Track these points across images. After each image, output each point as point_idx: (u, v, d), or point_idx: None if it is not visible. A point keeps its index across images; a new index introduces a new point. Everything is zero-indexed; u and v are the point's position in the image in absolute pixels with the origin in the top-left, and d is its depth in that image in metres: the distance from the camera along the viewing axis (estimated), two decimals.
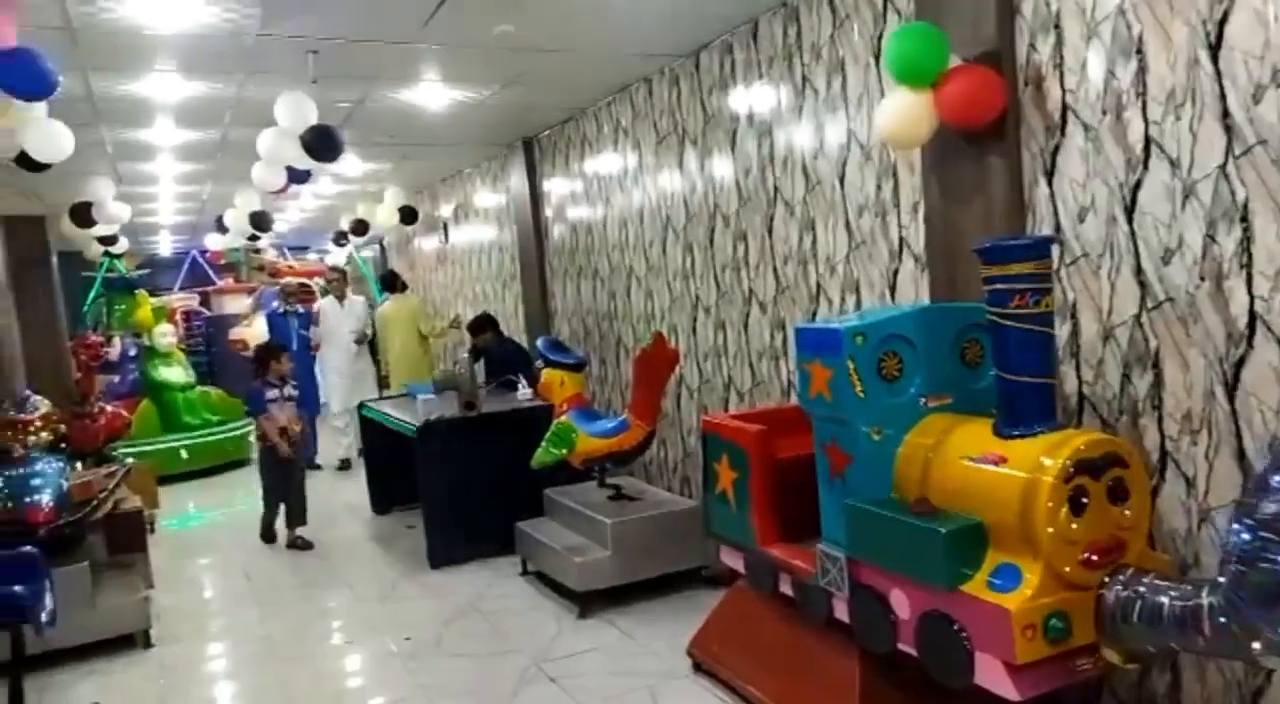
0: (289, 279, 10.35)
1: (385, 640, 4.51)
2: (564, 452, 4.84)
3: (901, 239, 3.67)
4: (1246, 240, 2.52)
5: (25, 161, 4.38)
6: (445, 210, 10.03)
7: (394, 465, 6.66)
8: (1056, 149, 3.03)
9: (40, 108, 4.02)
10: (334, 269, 9.54)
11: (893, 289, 3.75)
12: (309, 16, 4.00)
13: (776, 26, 4.26)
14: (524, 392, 6.22)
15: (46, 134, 4.13)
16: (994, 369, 2.75)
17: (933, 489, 2.75)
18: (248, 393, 6.45)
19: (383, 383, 9.25)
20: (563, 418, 4.93)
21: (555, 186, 7.10)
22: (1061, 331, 3.02)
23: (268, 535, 6.44)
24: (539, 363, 5.24)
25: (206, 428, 9.17)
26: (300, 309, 9.16)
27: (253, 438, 7.91)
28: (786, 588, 3.37)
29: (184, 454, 8.79)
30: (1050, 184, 3.06)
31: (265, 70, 4.74)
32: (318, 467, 8.66)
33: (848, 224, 3.96)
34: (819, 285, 4.19)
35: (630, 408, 4.76)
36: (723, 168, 4.83)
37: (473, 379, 6.02)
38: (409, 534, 6.28)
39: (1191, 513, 2.74)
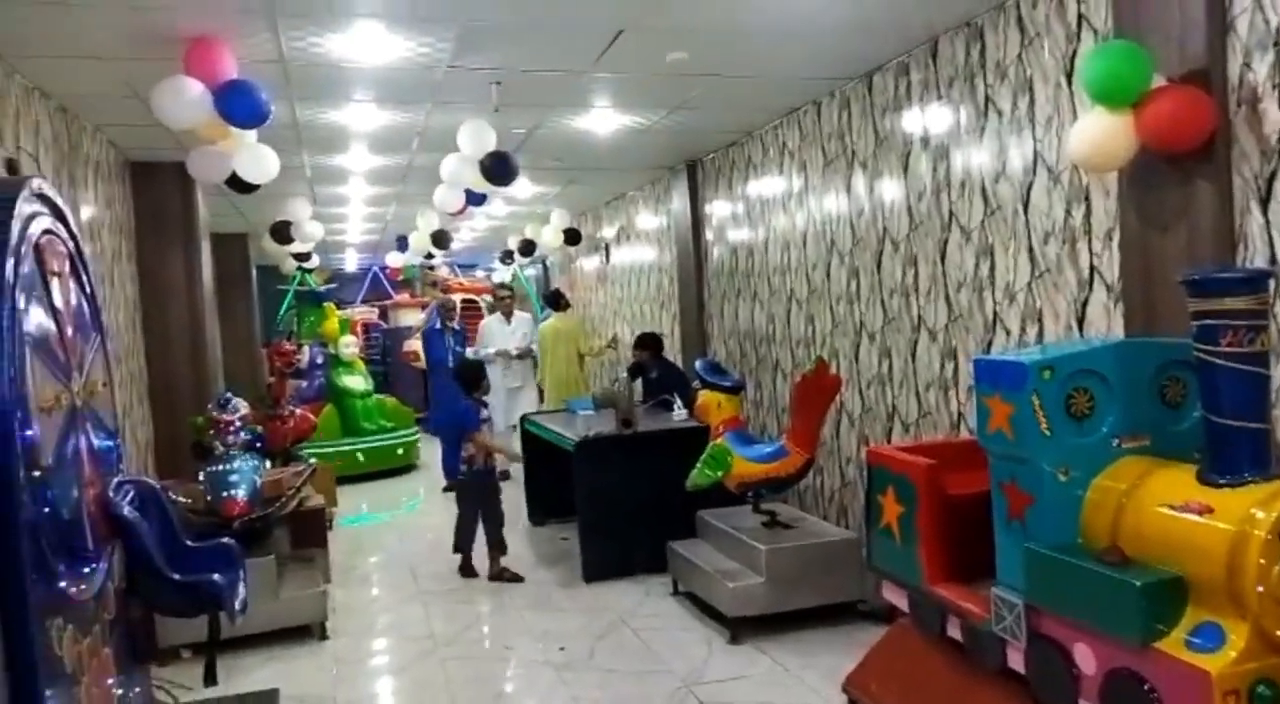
0: (450, 296, 10.56)
1: (540, 649, 4.61)
2: (719, 474, 4.81)
3: (1093, 267, 3.45)
4: None
5: (236, 183, 4.80)
6: (607, 232, 10.25)
7: (551, 478, 6.83)
8: (1273, 175, 2.77)
9: (252, 134, 4.40)
10: (502, 286, 9.70)
11: (1080, 321, 3.52)
12: (495, 50, 4.19)
13: (958, 46, 4.13)
14: (680, 412, 6.25)
15: (256, 158, 4.52)
16: (1199, 411, 2.53)
17: (1125, 537, 2.56)
18: (461, 411, 5.93)
19: (540, 398, 9.49)
20: (719, 440, 4.90)
21: (717, 209, 7.12)
22: (1277, 373, 2.74)
23: (467, 567, 5.93)
24: (696, 384, 5.24)
25: (381, 433, 9.73)
26: (456, 327, 9.11)
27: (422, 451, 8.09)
28: (955, 631, 3.21)
29: (360, 457, 9.34)
30: (1265, 212, 2.80)
31: (451, 101, 5.00)
32: None
33: (1031, 250, 3.77)
34: (996, 314, 4.00)
35: (789, 434, 4.68)
36: (893, 191, 4.71)
37: (631, 397, 6.10)
38: (563, 546, 6.41)
39: None
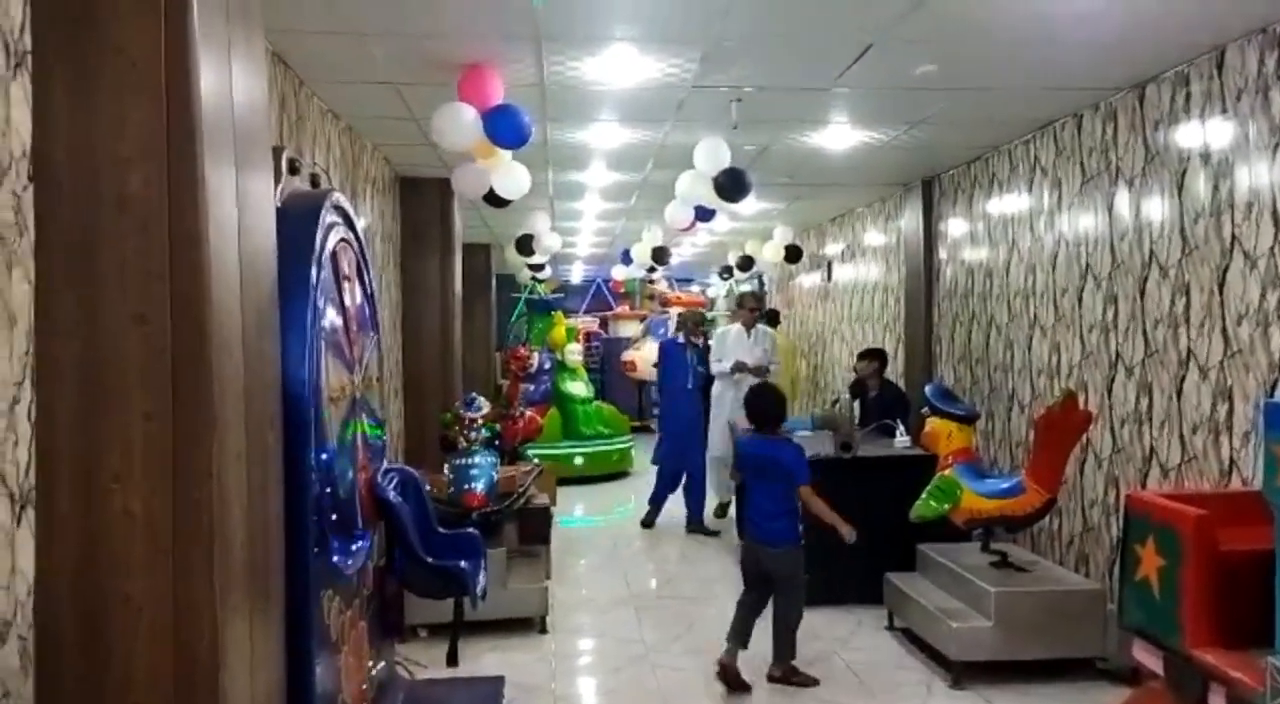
0: (692, 310, 9.38)
1: (749, 668, 4.54)
2: (946, 507, 4.59)
3: None
4: None
5: (491, 198, 5.14)
6: (830, 249, 10.07)
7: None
8: None
9: (508, 153, 4.68)
10: (752, 296, 8.38)
11: None
12: (739, 68, 4.22)
13: (1250, 55, 3.70)
14: (903, 439, 6.00)
15: (512, 175, 4.82)
16: None
17: None
18: (788, 459, 4.34)
19: None
20: (947, 472, 4.67)
21: (953, 227, 6.81)
22: None
23: (731, 673, 4.31)
24: (925, 410, 5.02)
25: (599, 439, 10.08)
26: (701, 343, 7.82)
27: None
28: (1218, 700, 2.88)
29: (579, 460, 9.70)
30: None
31: (690, 119, 5.10)
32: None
33: None
34: None
35: (1028, 470, 4.38)
36: (1163, 212, 4.29)
37: (851, 420, 5.93)
38: None
39: None
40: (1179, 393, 4.18)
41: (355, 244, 3.01)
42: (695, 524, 7.53)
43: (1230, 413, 3.85)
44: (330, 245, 2.61)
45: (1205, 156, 4.00)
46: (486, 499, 4.86)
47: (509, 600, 4.97)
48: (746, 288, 14.62)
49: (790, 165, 6.56)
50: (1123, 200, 4.62)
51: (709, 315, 14.45)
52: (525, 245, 8.67)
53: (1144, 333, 4.44)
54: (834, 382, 9.71)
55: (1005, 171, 5.93)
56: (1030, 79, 4.42)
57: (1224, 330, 3.89)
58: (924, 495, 4.68)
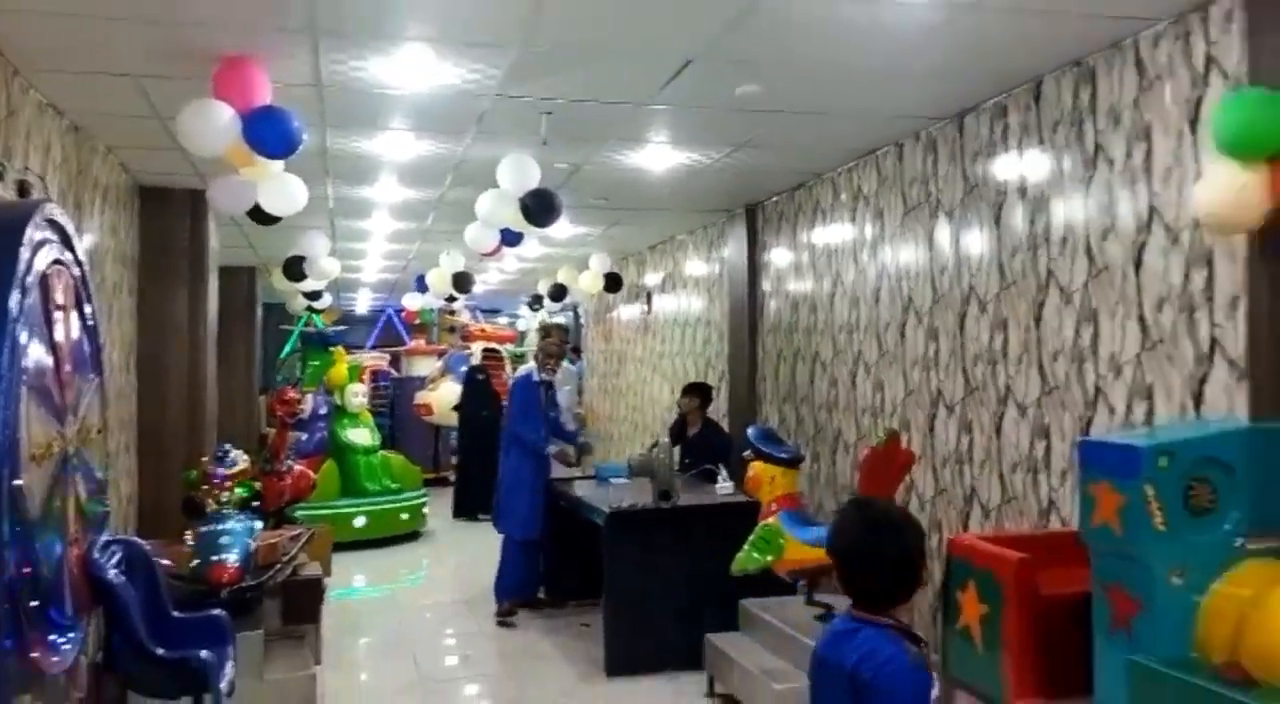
0: (550, 337, 7.47)
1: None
2: (769, 558, 4.76)
3: (1214, 340, 3.39)
4: None
5: (258, 214, 4.91)
6: (650, 278, 10.32)
7: (572, 553, 6.73)
8: None
9: (279, 163, 4.49)
10: (558, 327, 8.03)
11: (1197, 400, 3.45)
12: (550, 78, 4.27)
13: (1065, 88, 4.13)
14: (725, 485, 6.18)
15: (283, 189, 4.61)
16: None
17: (1248, 653, 2.49)
18: None
19: None
20: (770, 520, 4.85)
21: (777, 258, 7.15)
22: None
23: None
24: (747, 454, 5.20)
25: (386, 495, 9.68)
26: (550, 378, 7.06)
27: None
28: None
29: (360, 522, 9.29)
30: None
31: (494, 132, 5.11)
32: None
33: (1141, 318, 3.71)
34: (1098, 389, 3.94)
35: None
36: (982, 244, 4.69)
37: (670, 466, 6.03)
38: (584, 633, 6.27)
39: None
40: (998, 431, 4.55)
41: (75, 266, 2.81)
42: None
43: (1048, 451, 4.23)
44: (39, 267, 2.43)
45: (1022, 189, 4.42)
46: (240, 572, 4.53)
47: (266, 695, 4.61)
48: (560, 319, 14.74)
49: (606, 187, 6.68)
50: (943, 232, 5.02)
51: (517, 350, 14.43)
52: (295, 269, 8.31)
53: (964, 369, 4.82)
54: (652, 423, 9.92)
55: (829, 200, 6.31)
56: (851, 106, 4.73)
57: (1040, 367, 4.28)
58: (746, 546, 4.82)
